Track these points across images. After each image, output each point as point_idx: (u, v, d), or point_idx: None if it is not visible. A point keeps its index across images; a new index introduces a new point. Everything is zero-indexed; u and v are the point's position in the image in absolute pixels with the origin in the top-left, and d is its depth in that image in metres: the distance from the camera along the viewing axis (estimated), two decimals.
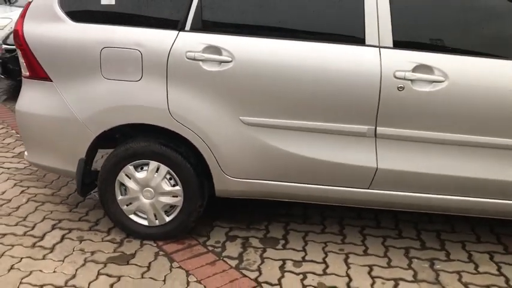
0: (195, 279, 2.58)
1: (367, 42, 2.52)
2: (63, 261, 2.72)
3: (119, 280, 2.57)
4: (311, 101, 2.58)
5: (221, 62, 2.59)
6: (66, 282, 2.53)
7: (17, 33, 2.78)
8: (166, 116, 2.66)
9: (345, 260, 2.79)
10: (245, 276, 2.61)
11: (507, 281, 2.60)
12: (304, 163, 2.68)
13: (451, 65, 2.47)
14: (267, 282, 2.57)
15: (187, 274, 2.63)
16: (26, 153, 3.04)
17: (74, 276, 2.59)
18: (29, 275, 2.57)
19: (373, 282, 2.58)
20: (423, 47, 2.51)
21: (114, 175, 2.85)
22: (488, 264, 2.76)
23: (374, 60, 2.49)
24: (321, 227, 3.15)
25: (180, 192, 2.82)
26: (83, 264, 2.70)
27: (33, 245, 2.87)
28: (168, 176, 2.82)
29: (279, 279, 2.59)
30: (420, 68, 2.47)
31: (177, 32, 2.63)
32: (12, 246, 2.85)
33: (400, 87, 2.48)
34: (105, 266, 2.69)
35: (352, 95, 2.53)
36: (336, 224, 3.19)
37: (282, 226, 3.15)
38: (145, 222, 2.93)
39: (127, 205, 2.91)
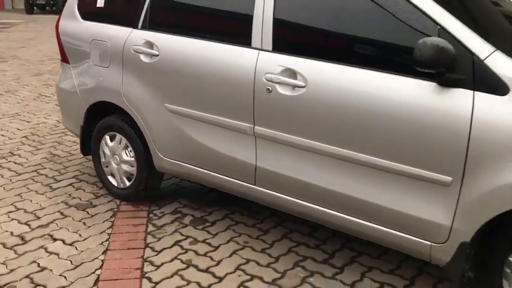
0: (110, 230, 3.13)
1: (252, 45, 2.67)
2: None
3: (64, 217, 3.31)
4: (208, 95, 2.85)
5: (152, 55, 3.09)
6: None
7: (56, 28, 3.78)
8: (120, 97, 3.29)
9: (236, 251, 2.93)
10: (147, 244, 3.02)
11: None
12: (206, 151, 2.96)
13: (311, 71, 2.43)
14: (151, 248, 2.96)
15: (111, 226, 3.21)
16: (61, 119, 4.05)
17: None
18: None
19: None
20: (293, 52, 2.53)
21: (98, 142, 3.61)
22: None
23: (252, 61, 2.64)
24: (255, 221, 3.28)
25: (134, 162, 3.40)
26: None
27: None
28: (129, 148, 3.43)
29: (163, 249, 2.94)
30: (286, 72, 2.51)
31: (132, 29, 3.23)
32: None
33: (268, 89, 2.57)
34: (69, 207, 3.46)
35: (235, 93, 2.72)
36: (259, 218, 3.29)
37: (225, 214, 3.41)
38: (115, 183, 3.60)
39: (106, 167, 3.63)
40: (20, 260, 2.79)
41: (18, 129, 5.29)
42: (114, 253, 2.89)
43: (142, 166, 3.35)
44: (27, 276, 2.63)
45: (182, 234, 3.13)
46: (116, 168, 3.52)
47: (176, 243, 3.02)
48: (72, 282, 2.60)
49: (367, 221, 2.39)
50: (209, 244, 3.01)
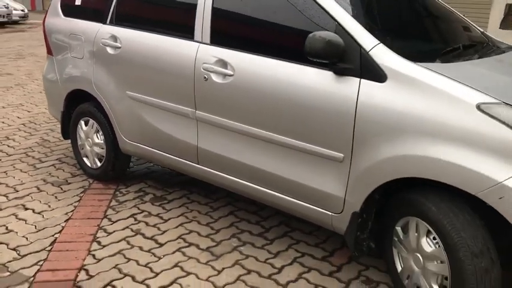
0: (77, 203, 3.52)
1: (194, 38, 3.02)
2: None
3: (39, 192, 3.71)
4: (160, 83, 3.21)
5: (116, 47, 3.46)
6: None
7: (43, 23, 4.21)
8: (91, 85, 3.67)
9: (183, 223, 3.28)
10: (106, 215, 3.39)
11: None
12: (159, 134, 3.31)
13: (238, 61, 2.77)
14: (108, 219, 3.33)
15: (79, 200, 3.59)
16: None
17: None
18: None
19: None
20: (225, 45, 2.86)
21: (75, 127, 4.00)
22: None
23: (193, 53, 2.98)
24: (208, 200, 3.61)
25: (104, 145, 3.79)
26: None
27: None
28: (100, 132, 3.81)
29: (119, 220, 3.30)
30: (219, 62, 2.85)
31: (101, 24, 3.62)
32: None
33: (205, 77, 2.91)
34: (45, 184, 3.86)
35: (180, 81, 3.06)
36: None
37: (184, 194, 3.76)
38: (89, 164, 3.99)
39: (81, 149, 4.03)
40: None
41: (18, 117, 5.75)
42: (74, 221, 3.27)
43: (110, 148, 3.72)
44: None
45: (139, 209, 3.48)
46: (89, 150, 3.91)
47: (132, 215, 3.38)
48: (31, 242, 2.98)
49: (282, 194, 2.71)
50: (160, 217, 3.36)
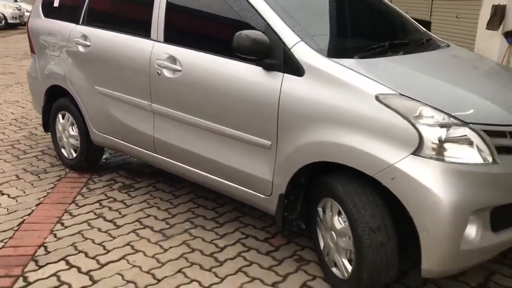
0: (50, 190, 3.81)
1: (151, 37, 3.29)
2: None
3: (18, 179, 4.01)
4: (122, 78, 3.48)
5: (86, 46, 3.75)
6: None
7: (26, 24, 4.51)
8: (65, 80, 3.96)
9: (143, 209, 3.54)
10: (74, 201, 3.66)
11: None
12: (123, 126, 3.58)
13: (185, 57, 3.03)
14: (76, 203, 3.61)
15: (53, 187, 3.88)
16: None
17: None
18: None
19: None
20: (175, 42, 3.12)
21: (54, 120, 4.30)
22: None
23: (149, 50, 3.25)
24: (172, 189, 3.87)
25: (78, 137, 4.08)
26: None
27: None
28: (74, 125, 4.10)
29: (85, 205, 3.58)
30: (170, 58, 3.11)
31: (75, 25, 3.91)
32: None
33: (158, 72, 3.17)
34: (25, 173, 4.16)
35: (139, 75, 3.33)
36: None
37: (151, 183, 4.02)
38: (66, 155, 4.28)
39: (60, 141, 4.32)
40: None
41: (12, 113, 6.09)
42: (44, 206, 3.56)
43: (83, 140, 4.01)
44: None
45: (106, 195, 3.76)
46: (66, 142, 4.20)
47: (98, 201, 3.65)
48: (0, 223, 3.27)
49: (222, 178, 2.96)
50: (124, 203, 3.63)
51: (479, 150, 2.17)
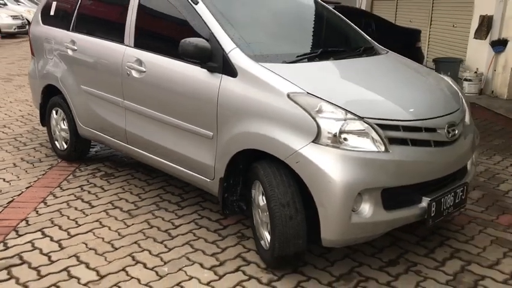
0: (41, 176, 4.34)
1: (124, 42, 3.79)
2: None
3: (14, 167, 4.55)
4: (100, 78, 4.00)
5: (73, 50, 4.28)
6: None
7: (28, 30, 5.08)
8: (57, 80, 4.50)
9: (118, 193, 4.04)
10: (60, 185, 4.18)
11: None
12: (102, 120, 4.09)
13: (148, 60, 3.52)
14: (60, 188, 4.13)
15: (44, 174, 4.41)
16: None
17: None
18: None
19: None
20: (142, 47, 3.62)
21: (49, 115, 4.84)
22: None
23: (121, 54, 3.75)
24: (148, 177, 4.36)
25: (68, 130, 4.61)
26: None
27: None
28: (65, 120, 4.63)
29: (68, 189, 4.09)
30: (137, 61, 3.61)
31: (66, 31, 4.45)
32: None
33: (127, 73, 3.68)
34: (21, 161, 4.71)
35: (113, 76, 3.84)
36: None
37: (130, 172, 4.52)
38: (59, 146, 4.82)
39: (54, 134, 4.86)
40: None
41: (20, 110, 6.69)
42: (33, 188, 4.08)
43: (72, 133, 4.53)
44: None
45: (88, 182, 4.27)
46: (58, 135, 4.74)
47: (80, 186, 4.17)
48: None
49: (177, 165, 3.43)
50: (102, 188, 4.13)
51: (373, 140, 2.60)
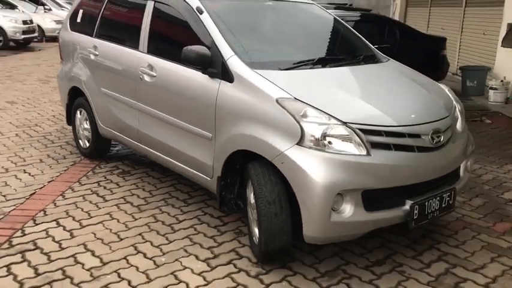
0: (63, 172, 4.67)
1: (139, 49, 4.08)
2: None
3: (40, 162, 4.91)
4: (118, 82, 4.29)
5: (95, 54, 4.61)
6: None
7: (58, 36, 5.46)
8: (81, 82, 4.84)
9: (131, 189, 4.31)
10: (79, 180, 4.50)
11: None
12: (118, 121, 4.39)
13: (158, 65, 3.78)
14: (79, 183, 4.44)
15: (66, 169, 4.75)
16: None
17: None
18: None
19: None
20: (153, 53, 3.88)
21: (74, 115, 5.19)
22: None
23: (136, 59, 4.04)
24: (161, 175, 4.62)
25: (90, 129, 4.94)
26: None
27: None
28: (88, 120, 4.96)
29: (86, 184, 4.40)
30: (149, 66, 3.88)
31: (90, 37, 4.78)
32: None
33: (140, 77, 3.95)
34: (47, 158, 5.07)
35: (129, 80, 4.12)
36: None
37: (145, 170, 4.80)
38: (82, 145, 5.16)
39: (78, 133, 5.20)
40: None
41: (52, 110, 7.11)
42: (55, 183, 4.41)
43: (93, 132, 4.85)
44: None
45: (106, 178, 4.57)
46: (82, 134, 5.07)
47: (97, 182, 4.47)
48: (17, 192, 4.14)
49: (181, 163, 3.67)
50: (117, 184, 4.41)
51: (355, 144, 2.76)
